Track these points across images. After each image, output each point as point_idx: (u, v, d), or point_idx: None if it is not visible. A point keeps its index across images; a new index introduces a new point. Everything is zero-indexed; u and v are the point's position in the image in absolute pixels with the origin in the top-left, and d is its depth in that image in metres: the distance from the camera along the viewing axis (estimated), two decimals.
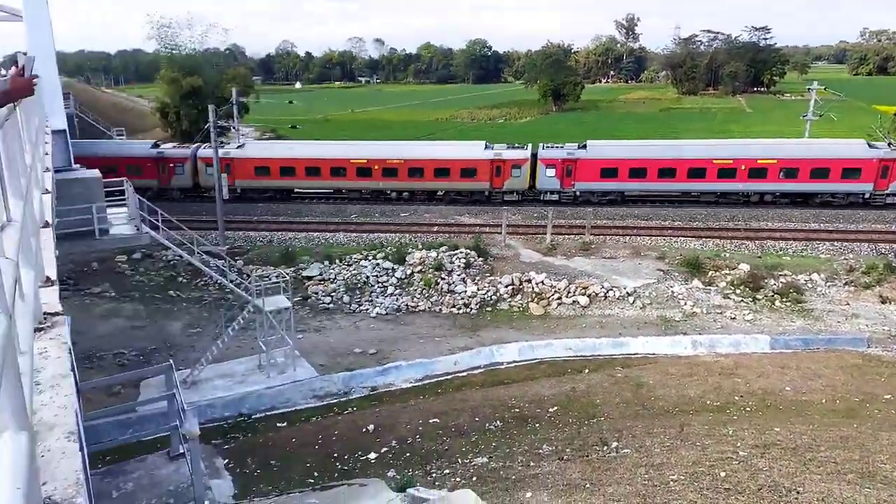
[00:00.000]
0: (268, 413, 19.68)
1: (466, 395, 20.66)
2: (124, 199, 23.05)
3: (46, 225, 8.63)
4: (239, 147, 42.03)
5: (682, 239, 34.08)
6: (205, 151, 39.56)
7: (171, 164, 41.50)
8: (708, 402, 18.13)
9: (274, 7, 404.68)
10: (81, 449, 3.13)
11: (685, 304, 27.39)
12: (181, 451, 10.12)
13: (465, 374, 22.53)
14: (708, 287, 28.56)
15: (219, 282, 25.34)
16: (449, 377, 22.28)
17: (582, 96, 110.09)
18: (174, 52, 60.79)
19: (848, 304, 26.98)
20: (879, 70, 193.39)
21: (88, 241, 21.18)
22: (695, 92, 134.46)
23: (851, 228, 34.93)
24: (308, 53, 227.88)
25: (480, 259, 30.93)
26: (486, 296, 28.79)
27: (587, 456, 11.93)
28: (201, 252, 24.56)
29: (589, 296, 28.06)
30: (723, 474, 8.98)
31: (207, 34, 65.45)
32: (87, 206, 21.05)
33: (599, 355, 23.21)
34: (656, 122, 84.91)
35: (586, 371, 21.75)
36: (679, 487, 8.68)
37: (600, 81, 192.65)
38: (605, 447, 12.47)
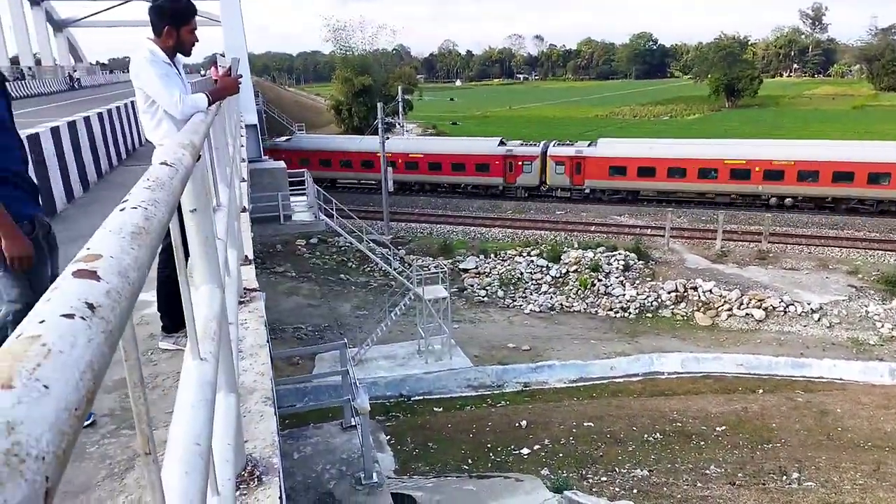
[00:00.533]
0: (425, 397, 20.38)
1: (623, 402, 19.88)
2: (304, 189, 25.19)
3: (244, 210, 9.61)
4: (590, 145, 40.47)
5: (880, 252, 30.04)
6: (556, 150, 39.97)
7: (520, 163, 41.13)
8: None
9: (433, 9, 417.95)
10: (276, 413, 3.36)
11: (882, 326, 24.09)
12: (353, 423, 10.73)
13: (621, 380, 21.69)
14: None
15: (383, 269, 26.78)
16: (604, 381, 21.58)
17: (760, 91, 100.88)
18: (348, 53, 64.90)
19: None
20: None
21: (275, 226, 23.40)
22: (895, 88, 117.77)
23: None
24: (468, 52, 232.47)
25: (641, 262, 29.57)
26: (646, 301, 27.47)
27: (763, 484, 10.90)
28: (369, 240, 26.10)
29: (765, 309, 25.68)
30: None
31: (377, 36, 68.97)
32: (274, 194, 23.29)
33: (776, 375, 21.15)
34: (848, 121, 75.59)
35: (760, 391, 19.94)
36: None
37: (781, 75, 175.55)
38: (785, 477, 11.31)
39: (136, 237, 0.96)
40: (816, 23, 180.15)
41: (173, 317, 4.26)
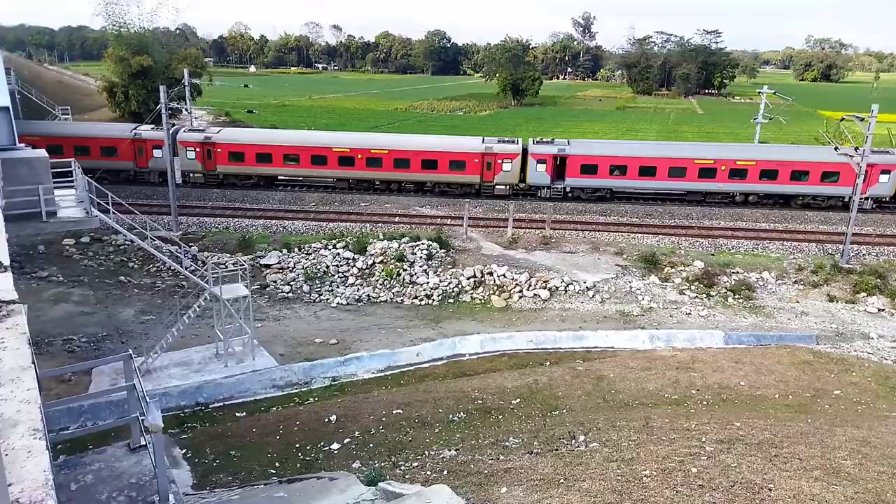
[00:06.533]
0: (226, 402, 19.16)
1: (429, 386, 20.56)
2: (72, 182, 22.02)
3: None
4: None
5: (639, 235, 34.83)
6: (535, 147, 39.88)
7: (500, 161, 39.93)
8: (666, 396, 18.53)
9: None
10: (47, 446, 2.86)
11: (643, 299, 27.97)
12: (142, 442, 9.67)
13: (427, 365, 22.43)
14: (664, 283, 29.24)
15: (172, 268, 24.51)
16: (412, 368, 22.14)
17: (540, 92, 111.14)
18: (122, 29, 58.34)
19: (797, 301, 28.06)
20: (823, 76, 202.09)
21: (35, 224, 20.12)
22: (649, 92, 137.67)
23: (800, 229, 36.34)
24: (262, 37, 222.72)
25: (442, 251, 30.85)
26: (448, 288, 28.73)
27: (557, 450, 11.98)
28: (154, 237, 23.68)
29: (549, 289, 28.35)
30: (694, 470, 9.13)
31: (157, 12, 63.22)
32: (33, 188, 20.01)
33: (560, 348, 23.47)
34: (613, 120, 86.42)
35: (548, 364, 21.95)
36: (653, 484, 8.78)
37: (558, 78, 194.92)
38: (574, 441, 12.56)
39: None
40: (586, 31, 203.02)
41: None
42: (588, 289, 28.38)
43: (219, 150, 39.92)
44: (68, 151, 37.79)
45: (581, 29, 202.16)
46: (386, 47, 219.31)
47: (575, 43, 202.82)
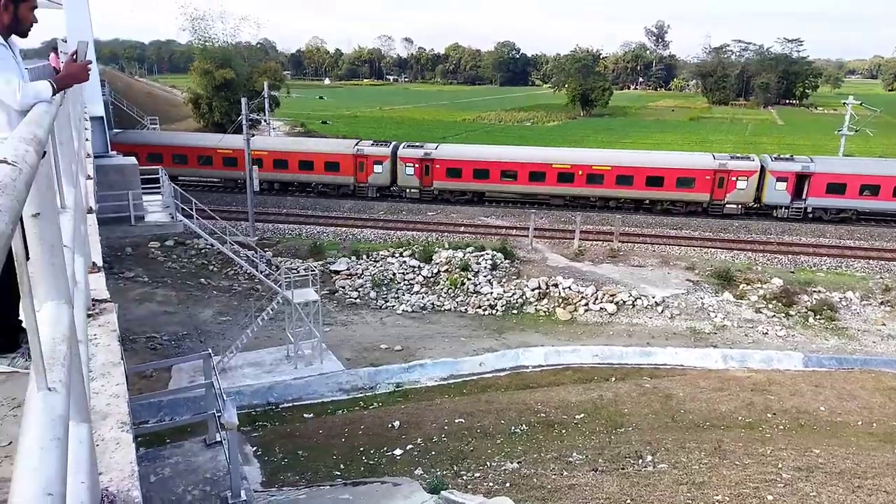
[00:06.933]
0: (295, 403, 19.77)
1: (492, 396, 20.55)
2: (159, 188, 23.38)
3: (90, 211, 8.72)
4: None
5: (713, 250, 33.64)
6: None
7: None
8: (740, 419, 17.81)
9: (300, 3, 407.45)
10: (134, 439, 3.06)
11: (715, 316, 26.98)
12: (218, 439, 10.11)
13: (490, 375, 22.42)
14: (739, 300, 28.11)
15: (249, 272, 25.58)
16: (474, 378, 22.19)
17: (610, 102, 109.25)
18: (207, 43, 61.46)
19: (884, 324, 26.36)
20: None
21: (124, 227, 21.47)
22: (725, 102, 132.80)
23: (888, 247, 34.15)
24: (337, 50, 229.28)
25: (507, 261, 30.80)
26: (512, 298, 28.64)
27: (623, 469, 11.74)
28: (232, 242, 24.80)
29: (616, 303, 27.78)
30: (770, 497, 8.77)
31: (240, 27, 66.17)
32: (123, 193, 21.37)
33: (626, 364, 22.94)
34: (686, 131, 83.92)
35: (613, 379, 21.51)
36: None
37: (629, 88, 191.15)
38: (641, 460, 12.27)
39: None
40: (660, 40, 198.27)
41: (3, 332, 3.71)
42: (657, 304, 27.63)
43: (437, 165, 39.83)
44: (293, 166, 40.66)
45: (654, 38, 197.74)
46: (455, 59, 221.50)
47: (647, 52, 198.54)
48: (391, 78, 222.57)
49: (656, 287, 28.88)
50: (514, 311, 28.11)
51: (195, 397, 14.95)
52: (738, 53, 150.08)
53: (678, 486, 9.74)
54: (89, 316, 4.20)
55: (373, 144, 41.86)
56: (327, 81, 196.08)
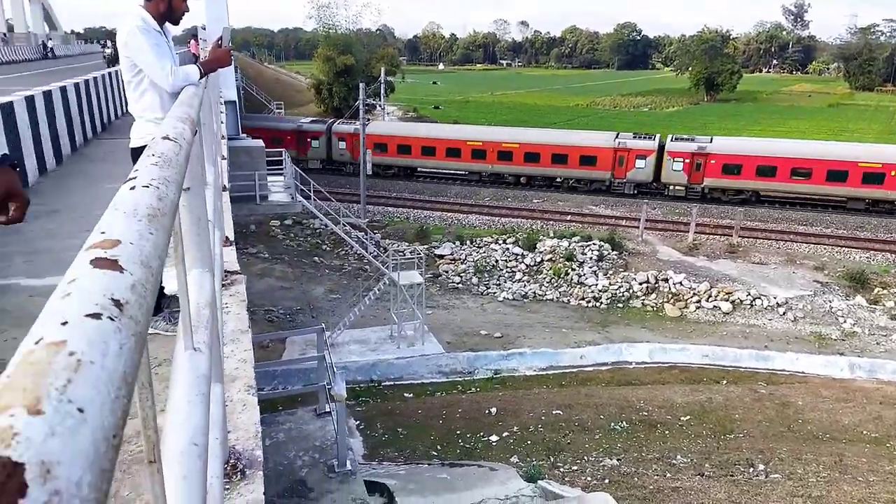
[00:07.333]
0: (396, 382, 20.46)
1: (591, 390, 20.20)
2: (282, 169, 24.85)
3: (224, 189, 9.45)
4: None
5: (846, 249, 30.88)
6: None
7: None
8: (865, 433, 16.38)
9: None
10: (257, 402, 3.28)
11: (844, 321, 24.83)
12: (327, 409, 10.68)
13: (590, 369, 22.02)
14: (873, 305, 25.68)
15: (358, 253, 26.66)
16: (574, 370, 21.89)
17: (739, 86, 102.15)
18: (331, 31, 63.96)
19: None
20: None
21: (250, 206, 23.06)
22: (870, 87, 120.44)
23: None
24: (452, 35, 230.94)
25: (614, 252, 29.97)
26: (617, 291, 27.87)
27: (732, 476, 11.19)
28: (345, 223, 25.93)
29: (732, 302, 26.26)
30: None
31: (362, 14, 68.30)
32: (251, 174, 22.93)
33: (740, 367, 21.69)
34: (823, 119, 77.04)
35: (724, 382, 20.44)
36: None
37: (761, 71, 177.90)
38: (752, 469, 11.63)
39: (153, 220, 0.86)
40: (798, 19, 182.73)
41: None
42: (778, 305, 25.83)
43: (712, 161, 36.58)
44: (544, 159, 39.68)
45: (792, 17, 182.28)
46: (571, 42, 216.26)
47: (784, 32, 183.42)
48: (504, 62, 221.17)
49: (779, 287, 26.99)
50: (620, 305, 27.35)
51: (305, 369, 15.85)
52: (888, 34, 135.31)
53: (793, 498, 9.16)
54: (222, 286, 4.60)
55: (635, 137, 39.57)
56: (441, 66, 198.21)
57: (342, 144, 42.89)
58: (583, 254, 29.76)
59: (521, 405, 18.73)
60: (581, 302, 27.75)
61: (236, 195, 20.79)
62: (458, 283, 29.25)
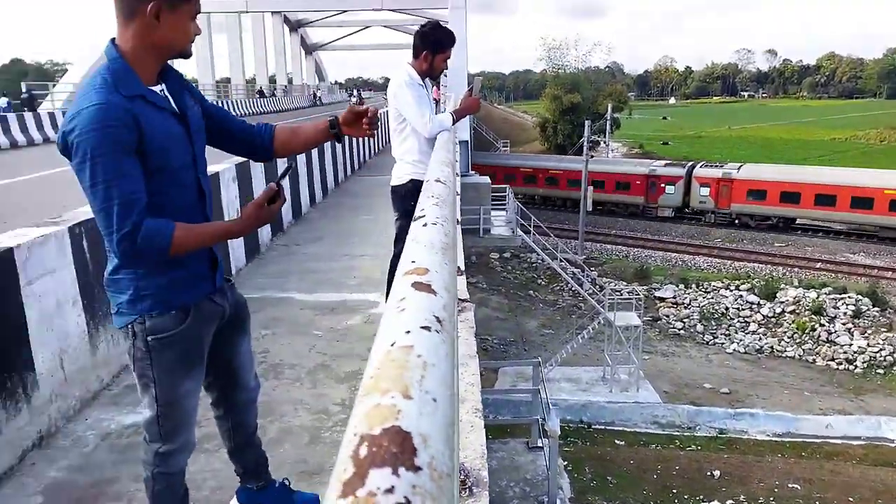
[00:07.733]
0: (607, 427, 19.70)
1: (838, 467, 17.40)
2: (504, 204, 25.89)
3: (457, 222, 10.20)
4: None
5: None
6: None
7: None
8: None
9: (655, 23, 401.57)
10: (484, 426, 3.42)
11: None
12: (539, 444, 10.74)
13: (838, 441, 18.98)
14: None
15: (574, 289, 26.46)
16: (817, 441, 19.04)
17: None
18: (560, 71, 65.23)
19: None
20: None
21: (474, 238, 24.37)
22: None
23: None
24: (687, 67, 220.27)
25: (876, 309, 25.71)
26: (878, 355, 23.80)
27: None
28: (562, 258, 25.99)
29: None
30: None
31: (591, 53, 68.44)
32: (476, 208, 24.27)
33: None
34: None
35: None
36: None
37: None
38: None
39: (446, 252, 1.04)
40: None
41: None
42: None
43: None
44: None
45: None
46: (829, 70, 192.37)
47: None
48: (745, 94, 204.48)
49: None
50: (880, 371, 23.28)
51: (515, 401, 16.05)
52: None
53: None
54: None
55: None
56: (672, 101, 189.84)
57: (704, 191, 37.79)
58: (835, 307, 26.01)
59: (751, 472, 16.83)
60: (830, 363, 24.20)
61: (463, 228, 22.22)
62: (679, 329, 27.43)
